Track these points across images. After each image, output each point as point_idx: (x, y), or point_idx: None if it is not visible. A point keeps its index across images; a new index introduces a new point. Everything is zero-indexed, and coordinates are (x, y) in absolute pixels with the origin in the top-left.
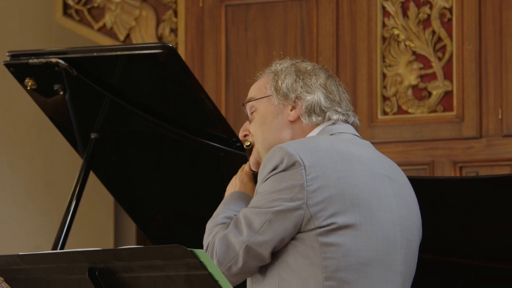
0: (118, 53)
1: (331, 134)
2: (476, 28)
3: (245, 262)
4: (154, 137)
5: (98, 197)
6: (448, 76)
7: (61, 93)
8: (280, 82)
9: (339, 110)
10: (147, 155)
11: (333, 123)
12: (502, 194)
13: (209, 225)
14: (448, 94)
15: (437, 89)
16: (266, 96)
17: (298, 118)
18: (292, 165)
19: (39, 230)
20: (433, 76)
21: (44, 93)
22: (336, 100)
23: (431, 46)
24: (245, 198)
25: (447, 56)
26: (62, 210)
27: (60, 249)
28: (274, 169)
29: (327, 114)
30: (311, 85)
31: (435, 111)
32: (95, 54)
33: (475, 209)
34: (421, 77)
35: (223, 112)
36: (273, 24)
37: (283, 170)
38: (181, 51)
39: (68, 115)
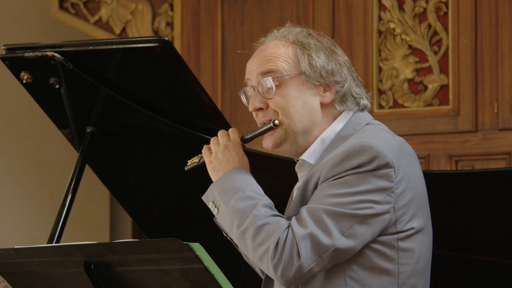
0: (114, 46)
1: (367, 124)
2: (472, 22)
3: (326, 264)
4: (150, 131)
5: (94, 190)
6: (444, 70)
7: (57, 86)
8: (315, 59)
9: (365, 95)
10: (143, 149)
11: (362, 110)
12: (497, 188)
13: (251, 217)
14: (444, 88)
15: (433, 83)
16: (301, 73)
17: (331, 101)
18: (384, 166)
19: (34, 224)
20: (429, 70)
21: (39, 87)
22: (361, 85)
23: (427, 40)
24: (250, 174)
25: (443, 50)
26: (57, 203)
27: (55, 242)
28: (358, 167)
29: (361, 102)
30: (344, 68)
31: (431, 105)
32: (91, 47)
33: (470, 202)
34: (417, 71)
35: (219, 105)
36: (269, 17)
37: (372, 170)
38: (177, 45)
39: (64, 109)
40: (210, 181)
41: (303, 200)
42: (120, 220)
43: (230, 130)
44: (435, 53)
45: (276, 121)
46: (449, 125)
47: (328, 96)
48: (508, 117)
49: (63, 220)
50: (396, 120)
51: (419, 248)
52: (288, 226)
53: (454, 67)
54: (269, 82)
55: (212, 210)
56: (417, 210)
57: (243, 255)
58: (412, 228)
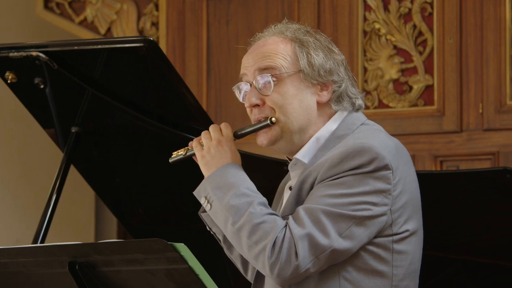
0: (99, 46)
1: (362, 124)
2: (457, 22)
3: (322, 265)
4: (136, 131)
5: (79, 190)
6: (429, 70)
7: (42, 86)
8: (314, 57)
9: (360, 95)
10: (129, 149)
11: (357, 110)
12: (482, 188)
13: (247, 215)
14: (429, 88)
15: (418, 83)
16: (299, 71)
17: (328, 101)
18: (382, 168)
19: (19, 224)
20: (414, 70)
21: (24, 87)
22: (356, 84)
23: (412, 40)
24: (243, 170)
25: (428, 50)
26: (42, 203)
27: (40, 243)
28: (356, 168)
29: (357, 102)
30: (341, 67)
31: (416, 105)
32: (76, 47)
33: (455, 203)
34: (402, 71)
35: (204, 106)
36: (255, 17)
37: (370, 172)
38: (162, 45)
39: (49, 109)
40: (196, 181)
41: (299, 199)
42: (105, 220)
43: (223, 125)
44: (420, 53)
45: (273, 119)
46: (434, 125)
47: (325, 96)
48: (492, 118)
49: (48, 220)
50: (381, 121)
51: (413, 250)
52: (285, 226)
53: (439, 68)
54: (267, 78)
55: (204, 205)
56: (412, 213)
57: (224, 249)
58: (407, 230)
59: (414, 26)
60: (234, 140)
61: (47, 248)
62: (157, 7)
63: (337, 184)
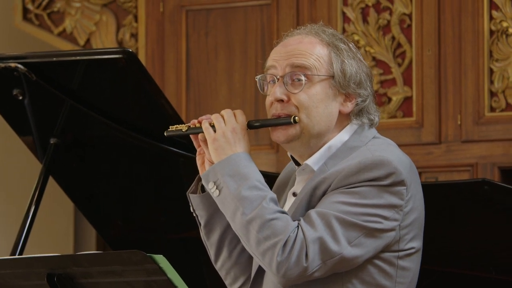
0: (78, 58)
1: (373, 137)
2: (436, 34)
3: (327, 271)
4: (115, 142)
5: (58, 202)
6: (407, 82)
7: (20, 98)
8: (348, 66)
9: (378, 113)
10: (108, 160)
11: (371, 125)
12: (461, 200)
13: (260, 209)
14: (407, 99)
15: (396, 94)
16: (331, 77)
17: (349, 112)
18: (398, 183)
19: None
20: (392, 82)
21: (3, 98)
22: (375, 100)
23: (391, 52)
24: (253, 162)
25: (406, 62)
26: (21, 215)
27: (19, 254)
28: (373, 180)
29: (375, 119)
30: (369, 81)
31: (394, 116)
32: (54, 59)
33: (433, 214)
34: (381, 82)
35: (183, 117)
36: (234, 29)
37: (386, 186)
38: (142, 56)
39: (28, 120)
40: (176, 192)
41: (309, 206)
42: (84, 232)
43: (238, 111)
44: (399, 65)
45: (297, 118)
46: (413, 137)
47: (349, 107)
48: (471, 129)
49: (26, 232)
50: None
51: (415, 268)
52: (297, 226)
53: (417, 79)
54: (298, 76)
55: (211, 190)
56: (418, 231)
57: (202, 234)
58: (412, 248)
59: (393, 38)
60: (247, 130)
61: (25, 260)
62: (136, 18)
63: (352, 192)
